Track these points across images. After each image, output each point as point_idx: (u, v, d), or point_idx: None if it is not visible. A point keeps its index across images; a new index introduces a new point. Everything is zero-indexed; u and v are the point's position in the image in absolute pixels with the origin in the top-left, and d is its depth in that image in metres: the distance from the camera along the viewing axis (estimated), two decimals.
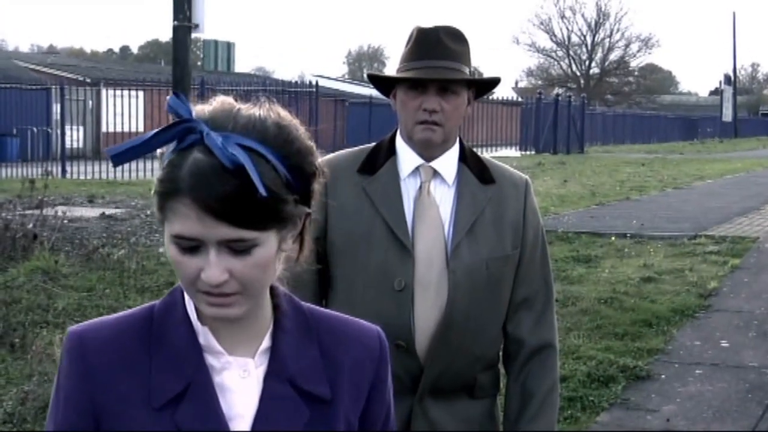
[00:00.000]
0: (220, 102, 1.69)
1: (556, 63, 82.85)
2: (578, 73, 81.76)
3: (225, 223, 1.58)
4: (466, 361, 2.93)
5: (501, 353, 3.08)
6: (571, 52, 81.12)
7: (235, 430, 1.70)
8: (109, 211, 16.04)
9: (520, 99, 46.43)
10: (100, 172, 25.43)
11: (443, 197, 2.95)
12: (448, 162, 2.97)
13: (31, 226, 12.29)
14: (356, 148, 3.13)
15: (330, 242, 2.96)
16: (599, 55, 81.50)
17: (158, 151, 1.66)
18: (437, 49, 2.89)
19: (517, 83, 79.39)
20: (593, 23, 79.66)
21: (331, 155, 3.07)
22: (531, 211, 3.02)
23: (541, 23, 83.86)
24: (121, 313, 1.79)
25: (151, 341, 1.72)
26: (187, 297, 1.74)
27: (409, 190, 2.95)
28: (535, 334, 3.01)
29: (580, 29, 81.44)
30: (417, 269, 2.87)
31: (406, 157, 2.98)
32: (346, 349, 1.81)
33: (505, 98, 44.53)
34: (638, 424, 6.56)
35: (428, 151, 2.94)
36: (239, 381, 1.73)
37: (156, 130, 1.64)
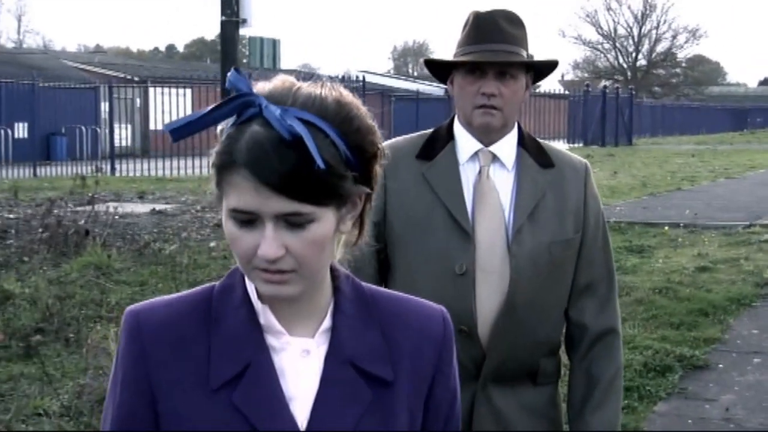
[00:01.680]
0: (280, 80, 1.68)
1: (602, 55, 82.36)
2: (625, 66, 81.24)
3: (282, 196, 1.57)
4: (528, 347, 2.89)
5: (563, 339, 3.04)
6: (617, 44, 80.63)
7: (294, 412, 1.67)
8: (159, 207, 16.16)
9: (566, 92, 46.19)
10: (149, 169, 25.64)
11: (503, 182, 2.92)
12: (507, 146, 2.94)
13: (82, 222, 12.41)
14: (414, 134, 3.11)
15: (389, 227, 2.94)
16: (646, 46, 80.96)
17: (218, 128, 1.66)
18: (495, 32, 2.86)
19: (563, 76, 79.03)
20: (640, 15, 79.11)
21: (388, 141, 3.05)
22: (592, 195, 2.98)
23: (587, 15, 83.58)
24: (179, 294, 1.78)
25: (209, 322, 1.71)
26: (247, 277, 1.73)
27: (468, 175, 2.92)
28: (598, 319, 2.97)
29: (626, 21, 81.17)
30: (478, 254, 2.84)
31: (465, 143, 2.95)
32: (408, 331, 1.77)
33: (551, 91, 44.30)
34: (697, 414, 6.49)
35: (487, 135, 2.91)
36: (299, 362, 1.70)
37: (214, 105, 1.62)
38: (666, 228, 14.06)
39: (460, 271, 2.83)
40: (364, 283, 1.81)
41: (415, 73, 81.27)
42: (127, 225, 13.71)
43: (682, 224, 14.46)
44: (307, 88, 1.65)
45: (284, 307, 1.70)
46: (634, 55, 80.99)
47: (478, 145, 2.93)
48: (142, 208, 16.03)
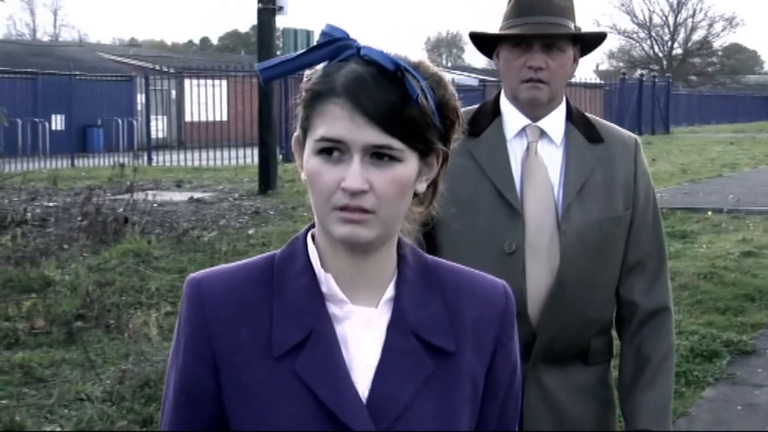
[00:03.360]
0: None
1: (637, 45, 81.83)
2: (660, 55, 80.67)
3: (376, 127, 1.59)
4: (579, 326, 2.84)
5: (614, 318, 2.98)
6: (653, 33, 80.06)
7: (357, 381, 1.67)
8: (197, 195, 16.17)
9: (601, 82, 45.89)
10: (185, 160, 25.69)
11: (551, 158, 2.87)
12: (555, 121, 2.89)
13: (121, 210, 12.48)
14: (461, 110, 3.05)
15: (435, 207, 2.88)
16: (682, 35, 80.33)
17: (306, 72, 1.68)
18: (541, 4, 2.81)
19: (597, 66, 78.60)
20: (675, 3, 78.48)
21: None
22: (642, 171, 2.93)
23: (622, 5, 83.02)
24: (241, 262, 1.77)
25: (270, 289, 1.70)
26: (310, 245, 1.73)
27: (515, 151, 2.88)
28: (649, 297, 2.92)
29: (662, 9, 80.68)
30: (527, 231, 2.80)
31: (512, 118, 2.90)
32: (471, 303, 1.76)
33: (587, 80, 44.07)
34: (745, 400, 6.45)
35: (534, 110, 2.86)
36: (362, 331, 1.69)
37: (308, 47, 1.66)
38: (709, 213, 14.01)
39: (509, 249, 2.79)
40: (427, 254, 1.80)
41: (449, 64, 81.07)
42: (165, 213, 13.74)
43: (725, 210, 14.38)
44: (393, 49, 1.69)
45: (347, 275, 1.69)
46: (669, 44, 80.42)
47: (526, 121, 2.88)
48: (180, 196, 16.06)
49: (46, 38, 71.44)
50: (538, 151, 2.87)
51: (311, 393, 1.64)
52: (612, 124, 3.02)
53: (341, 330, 1.69)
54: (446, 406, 1.69)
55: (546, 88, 2.82)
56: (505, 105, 2.92)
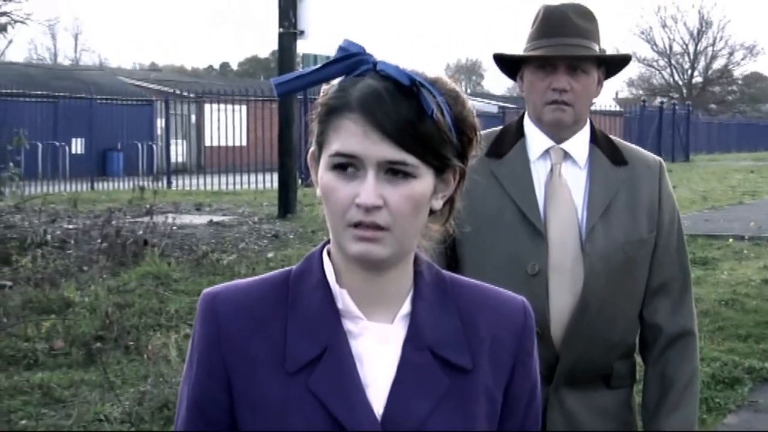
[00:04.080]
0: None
1: (657, 73, 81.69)
2: (680, 83, 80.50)
3: (390, 142, 1.58)
4: (602, 349, 2.82)
5: (638, 341, 2.96)
6: (673, 61, 79.91)
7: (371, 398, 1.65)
8: (216, 219, 16.22)
9: (621, 109, 45.85)
10: (204, 184, 25.74)
11: (575, 180, 2.86)
12: (579, 143, 2.88)
13: (141, 232, 12.50)
14: (483, 132, 3.04)
15: (458, 226, 2.87)
16: (702, 63, 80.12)
17: (323, 87, 1.67)
18: (566, 26, 2.80)
19: (617, 93, 78.50)
20: (696, 31, 78.31)
21: None
22: (666, 194, 2.91)
23: (642, 33, 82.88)
24: (256, 277, 1.76)
25: (286, 305, 1.69)
26: (325, 261, 1.71)
27: (539, 172, 2.86)
28: (673, 320, 2.89)
29: (682, 38, 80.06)
30: (551, 253, 2.78)
31: (536, 140, 2.89)
32: (488, 318, 1.74)
33: (606, 108, 44.02)
34: (767, 428, 6.36)
35: (558, 132, 2.85)
36: (377, 347, 1.67)
37: (325, 62, 1.64)
38: (730, 240, 13.95)
39: (532, 271, 2.77)
40: (444, 270, 1.78)
41: (469, 91, 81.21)
42: (185, 235, 13.78)
43: (746, 237, 14.32)
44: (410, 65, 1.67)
45: (363, 291, 1.68)
46: (689, 72, 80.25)
47: (550, 142, 2.87)
48: (199, 219, 16.09)
49: (66, 62, 71.90)
50: (561, 173, 2.86)
51: (325, 409, 1.62)
52: (636, 147, 3.01)
53: (356, 346, 1.67)
54: (463, 423, 1.66)
55: (570, 110, 2.81)
56: (529, 127, 2.91)
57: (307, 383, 1.63)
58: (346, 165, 1.60)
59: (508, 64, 2.96)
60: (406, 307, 1.70)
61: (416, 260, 1.73)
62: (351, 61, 1.64)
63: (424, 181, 1.62)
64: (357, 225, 1.60)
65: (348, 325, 1.67)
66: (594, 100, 2.92)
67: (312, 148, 1.69)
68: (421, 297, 1.71)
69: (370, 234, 1.60)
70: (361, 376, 1.65)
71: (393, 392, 1.65)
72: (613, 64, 2.95)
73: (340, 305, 1.68)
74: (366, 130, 1.58)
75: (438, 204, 1.69)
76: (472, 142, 1.69)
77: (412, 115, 1.59)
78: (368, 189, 1.58)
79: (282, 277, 1.73)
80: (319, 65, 1.65)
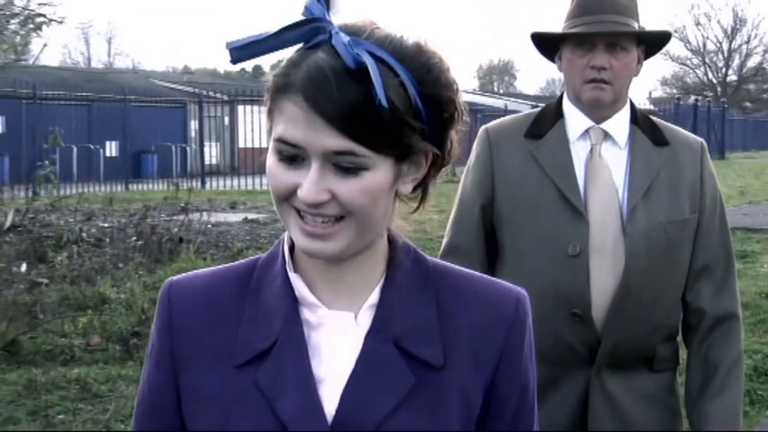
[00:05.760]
0: (362, 16, 1.51)
1: (691, 71, 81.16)
2: (714, 81, 79.97)
3: (335, 130, 1.39)
4: (644, 331, 2.78)
5: (680, 324, 2.91)
6: (707, 60, 79.38)
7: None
8: (251, 216, 16.24)
9: (654, 108, 45.60)
10: (238, 185, 25.79)
11: (615, 160, 2.82)
12: (619, 123, 2.84)
13: (176, 230, 12.53)
14: (522, 113, 3.03)
15: (497, 211, 2.85)
16: (736, 61, 79.56)
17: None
18: (604, 3, 2.77)
19: (650, 93, 78.01)
20: (729, 30, 77.77)
21: (495, 121, 2.99)
22: (708, 175, 2.86)
23: (676, 31, 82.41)
24: (224, 265, 1.64)
25: (247, 294, 1.55)
26: (285, 245, 1.56)
27: (579, 153, 2.83)
28: (716, 303, 2.85)
29: (716, 36, 79.61)
30: (592, 234, 2.74)
31: (575, 120, 2.85)
32: (467, 307, 1.55)
33: (640, 106, 43.85)
34: None
35: (598, 111, 2.81)
36: (338, 338, 1.51)
37: (282, 26, 1.44)
38: None
39: (573, 252, 2.73)
40: (430, 257, 1.61)
41: (501, 90, 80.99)
42: (220, 233, 13.79)
43: None
44: (388, 28, 1.48)
45: (325, 278, 1.53)
46: (723, 70, 79.71)
47: (589, 123, 2.83)
48: (234, 217, 16.12)
49: (100, 66, 72.33)
50: (601, 154, 2.82)
51: (270, 407, 1.48)
52: (677, 128, 2.96)
53: (315, 337, 1.51)
54: (430, 423, 1.49)
55: (609, 88, 2.78)
56: (568, 107, 2.88)
57: (254, 378, 1.49)
58: (293, 156, 1.43)
59: (547, 45, 2.93)
60: (374, 296, 1.53)
61: (392, 245, 1.57)
62: (307, 28, 1.44)
63: (380, 171, 1.43)
64: (302, 216, 1.44)
65: (306, 314, 1.52)
66: (634, 79, 2.88)
67: (267, 122, 1.51)
68: (392, 285, 1.54)
69: (319, 230, 1.44)
70: (317, 370, 1.49)
71: (348, 388, 1.48)
72: (653, 42, 2.90)
73: (297, 292, 1.53)
74: (309, 116, 1.39)
75: (407, 188, 1.51)
76: (454, 117, 1.50)
77: (361, 101, 1.38)
78: (310, 183, 1.41)
79: (249, 265, 1.59)
80: (276, 29, 1.44)
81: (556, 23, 2.99)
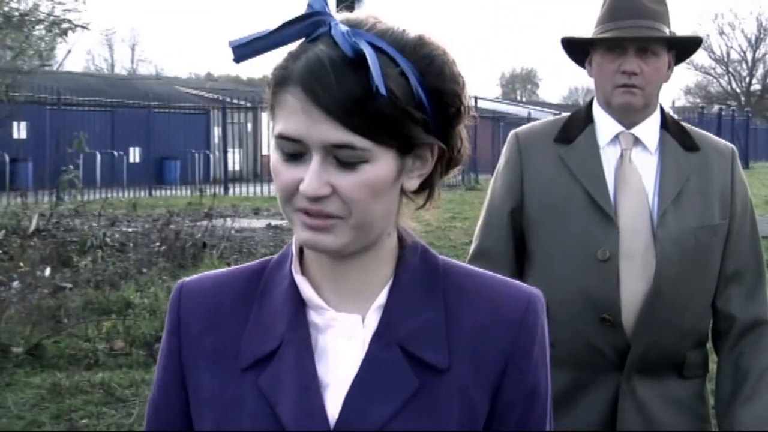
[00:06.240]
0: (365, 10, 1.50)
1: (715, 80, 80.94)
2: (738, 90, 79.71)
3: (334, 122, 1.37)
4: (674, 337, 2.76)
5: (710, 331, 2.89)
6: (730, 69, 79.14)
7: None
8: (275, 222, 16.25)
9: (679, 117, 45.55)
10: (261, 192, 25.84)
11: (646, 165, 2.81)
12: (649, 128, 2.83)
13: (200, 235, 12.55)
14: (551, 118, 3.02)
15: (527, 215, 2.84)
16: (760, 71, 79.25)
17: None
18: (635, 8, 2.76)
19: (674, 102, 77.90)
20: (753, 39, 77.49)
21: (525, 126, 2.99)
22: (739, 181, 2.85)
23: None
24: (237, 266, 1.63)
25: (255, 296, 1.54)
26: (293, 246, 1.55)
27: (609, 158, 2.82)
28: (746, 309, 2.83)
29: (739, 45, 79.58)
30: (622, 239, 2.73)
31: (605, 125, 2.84)
32: (473, 308, 1.51)
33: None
34: None
35: (628, 116, 2.80)
36: (344, 342, 1.49)
37: (283, 22, 1.43)
38: None
39: (603, 257, 2.72)
40: (441, 257, 1.57)
41: (524, 99, 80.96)
42: (243, 239, 13.85)
43: None
44: (391, 22, 1.47)
45: (332, 280, 1.51)
46: (747, 79, 79.44)
47: (619, 128, 2.82)
48: (257, 222, 16.18)
49: (123, 73, 72.67)
50: (632, 159, 2.81)
51: (272, 411, 1.46)
52: (707, 133, 2.95)
53: (322, 340, 1.49)
54: (431, 426, 1.46)
55: (640, 93, 2.77)
56: (598, 112, 2.87)
57: (258, 381, 1.48)
58: (294, 152, 1.42)
59: (577, 50, 2.92)
60: (381, 297, 1.50)
61: (402, 243, 1.54)
62: (308, 22, 1.43)
63: (381, 164, 1.41)
64: (305, 212, 1.43)
65: (313, 317, 1.50)
66: (664, 85, 2.86)
67: (269, 117, 1.49)
68: (400, 285, 1.51)
69: (319, 222, 1.42)
70: (321, 374, 1.47)
71: (351, 393, 1.46)
72: (684, 47, 2.89)
73: (304, 295, 1.51)
74: (308, 109, 1.38)
75: (413, 184, 1.49)
76: (460, 111, 1.48)
77: (360, 91, 1.36)
78: (311, 176, 1.39)
79: (260, 266, 1.58)
80: (277, 25, 1.44)
81: (578, 31, 2.99)
